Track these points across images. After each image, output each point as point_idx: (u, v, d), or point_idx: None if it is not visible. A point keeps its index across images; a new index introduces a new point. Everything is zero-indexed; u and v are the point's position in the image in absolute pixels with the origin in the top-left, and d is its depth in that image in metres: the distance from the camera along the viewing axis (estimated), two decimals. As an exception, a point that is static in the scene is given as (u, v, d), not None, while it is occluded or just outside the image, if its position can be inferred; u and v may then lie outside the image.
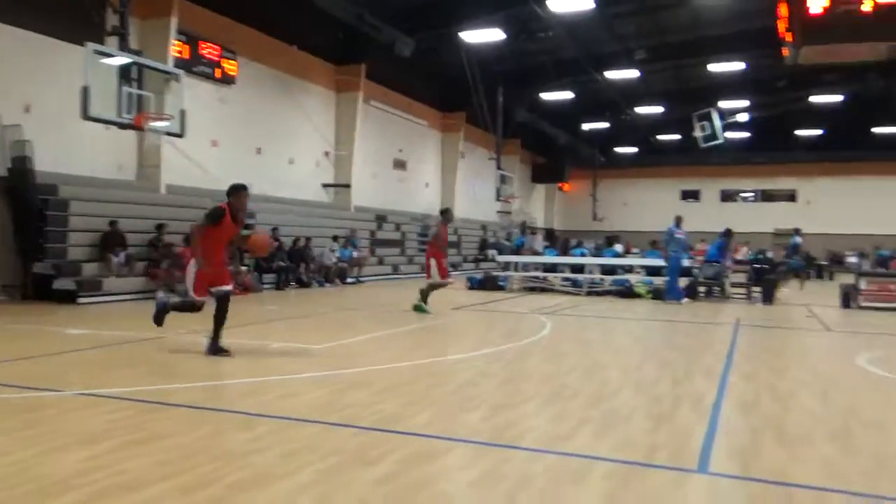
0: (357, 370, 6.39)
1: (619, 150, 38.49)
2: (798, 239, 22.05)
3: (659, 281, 15.80)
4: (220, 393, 5.67)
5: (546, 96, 27.62)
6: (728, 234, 16.14)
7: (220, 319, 6.80)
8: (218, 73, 17.05)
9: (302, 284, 16.96)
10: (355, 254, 19.40)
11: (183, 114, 12.27)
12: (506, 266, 18.56)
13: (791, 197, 37.57)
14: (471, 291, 16.95)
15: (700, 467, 3.82)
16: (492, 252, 25.91)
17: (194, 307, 6.93)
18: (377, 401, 5.21)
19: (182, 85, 12.39)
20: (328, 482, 3.40)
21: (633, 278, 16.62)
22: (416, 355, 7.37)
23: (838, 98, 28.43)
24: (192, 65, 16.05)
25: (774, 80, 27.20)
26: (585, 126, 34.71)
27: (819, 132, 33.65)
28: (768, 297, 15.22)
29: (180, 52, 15.68)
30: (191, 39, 16.15)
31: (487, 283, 17.55)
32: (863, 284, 14.65)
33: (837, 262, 29.51)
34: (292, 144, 20.14)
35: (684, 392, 5.78)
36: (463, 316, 11.79)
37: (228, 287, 6.97)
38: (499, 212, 30.12)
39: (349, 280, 18.68)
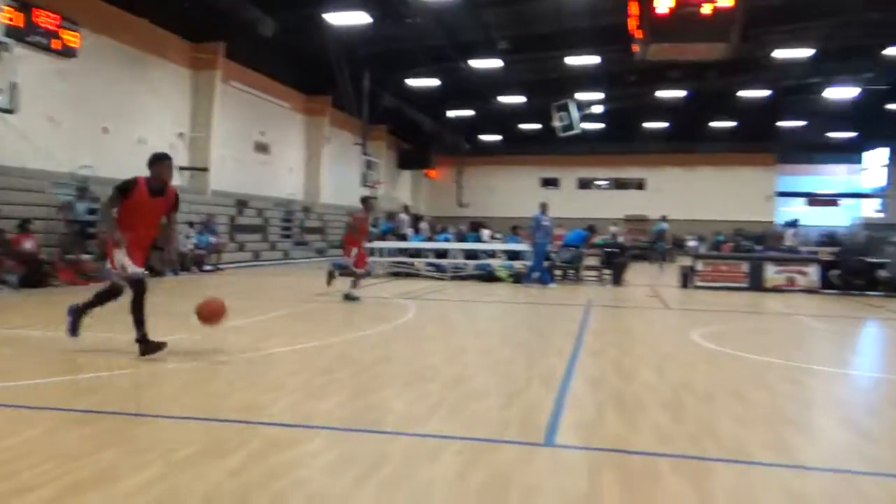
0: (212, 361, 6.16)
1: (484, 137, 39.46)
2: (664, 225, 23.78)
3: (519, 265, 16.41)
4: (55, 390, 5.28)
5: (412, 82, 27.73)
6: (591, 229, 17.12)
7: (139, 309, 6.05)
8: (56, 45, 15.61)
9: (154, 272, 16.02)
10: (213, 240, 18.62)
11: (14, 87, 11.21)
12: (371, 252, 18.51)
13: (640, 185, 40.16)
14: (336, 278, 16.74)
15: (547, 440, 4.04)
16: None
17: (116, 292, 6.16)
18: (233, 391, 5.07)
19: (14, 56, 11.30)
20: (177, 477, 3.27)
21: (494, 263, 17.14)
22: (275, 343, 7.21)
23: (682, 94, 30.62)
24: (26, 34, 14.59)
25: (626, 74, 28.84)
26: (451, 113, 35.22)
27: (665, 125, 36.15)
28: (618, 279, 16.25)
29: (11, 20, 14.21)
30: (24, 6, 14.67)
31: (345, 271, 17.38)
32: (699, 266, 15.99)
33: (679, 245, 31.95)
34: (143, 124, 18.92)
35: (537, 371, 6.06)
36: (326, 302, 11.67)
37: (143, 271, 6.23)
38: (365, 197, 29.93)
39: (207, 268, 17.91)
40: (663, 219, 24.05)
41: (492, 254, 17.97)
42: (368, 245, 13.27)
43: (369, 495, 3.13)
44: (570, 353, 6.93)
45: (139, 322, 6.01)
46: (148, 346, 5.99)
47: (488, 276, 16.47)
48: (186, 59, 20.65)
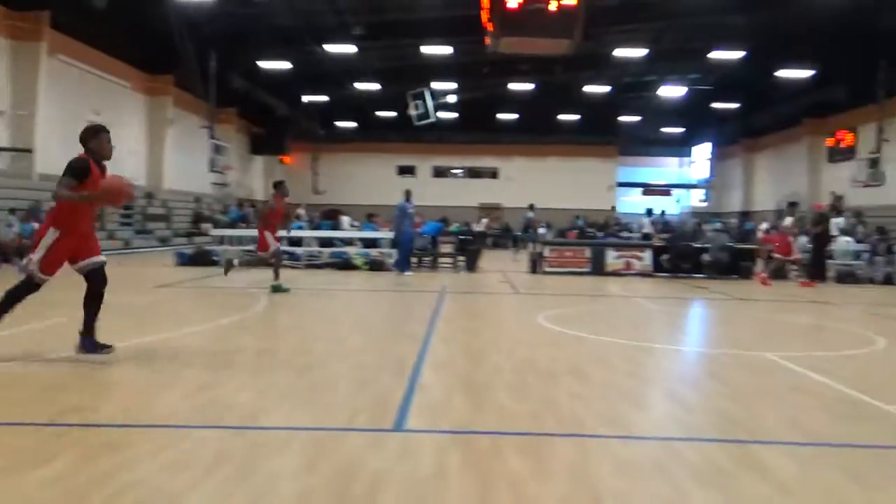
0: (40, 360, 5.63)
1: (340, 124, 38.94)
2: (530, 214, 24.63)
3: (376, 253, 16.40)
4: None
5: (264, 65, 26.79)
6: (445, 221, 17.47)
7: (96, 303, 5.59)
8: None
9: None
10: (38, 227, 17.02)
11: None
12: (221, 240, 17.79)
13: (494, 174, 41.39)
14: (180, 268, 15.91)
15: (396, 426, 4.06)
16: (206, 226, 24.58)
17: (31, 287, 5.50)
18: (60, 392, 4.66)
19: None
20: (-15, 490, 2.96)
21: (351, 251, 17.01)
22: (108, 340, 6.70)
23: (531, 86, 31.84)
24: None
25: (479, 65, 29.55)
26: (306, 98, 34.43)
27: (516, 116, 37.48)
28: (472, 266, 16.68)
29: None
30: None
31: (199, 259, 16.62)
32: (547, 252, 16.76)
33: (483, 234, 33.24)
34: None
35: (388, 358, 6.09)
36: (168, 294, 11.05)
37: (102, 258, 5.70)
38: (214, 184, 28.64)
39: (34, 258, 16.35)
40: (531, 207, 25.04)
41: (349, 242, 17.82)
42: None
43: (207, 494, 3.00)
44: (422, 339, 7.02)
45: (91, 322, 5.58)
46: (94, 344, 5.59)
47: (344, 265, 16.31)
48: (4, 28, 18.64)
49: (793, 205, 16.83)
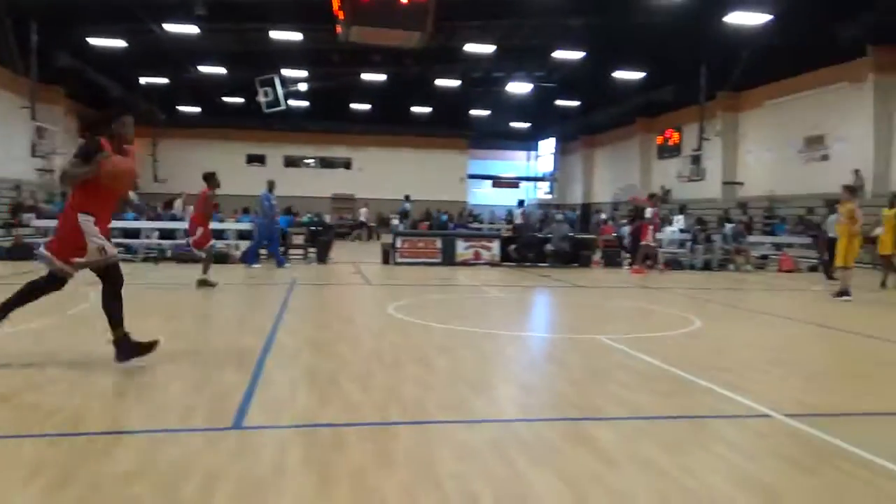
0: None
1: (183, 108, 36.83)
2: (408, 205, 24.53)
3: (221, 244, 15.71)
4: None
5: (95, 42, 24.69)
6: (290, 211, 17.06)
7: (118, 300, 5.18)
8: None
9: None
10: None
11: None
12: (46, 232, 16.25)
13: (347, 165, 41.00)
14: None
15: (235, 424, 3.92)
16: (28, 216, 22.36)
17: (56, 284, 5.10)
18: None
19: None
20: None
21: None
22: None
23: (383, 77, 31.80)
24: None
25: (330, 53, 29.07)
26: (144, 80, 32.23)
27: (368, 107, 37.29)
28: (323, 258, 16.44)
29: None
30: None
31: (17, 253, 15.11)
32: (399, 243, 16.87)
33: (385, 223, 33.42)
34: None
35: (231, 353, 5.86)
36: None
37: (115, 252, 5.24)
38: (38, 170, 26.11)
39: None
40: (407, 199, 25.14)
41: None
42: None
43: (17, 508, 2.74)
44: (267, 332, 6.82)
45: (119, 319, 5.14)
46: (131, 347, 5.14)
47: (188, 257, 15.46)
48: None
49: (652, 196, 18.04)
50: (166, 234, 16.43)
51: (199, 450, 3.46)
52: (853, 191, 12.09)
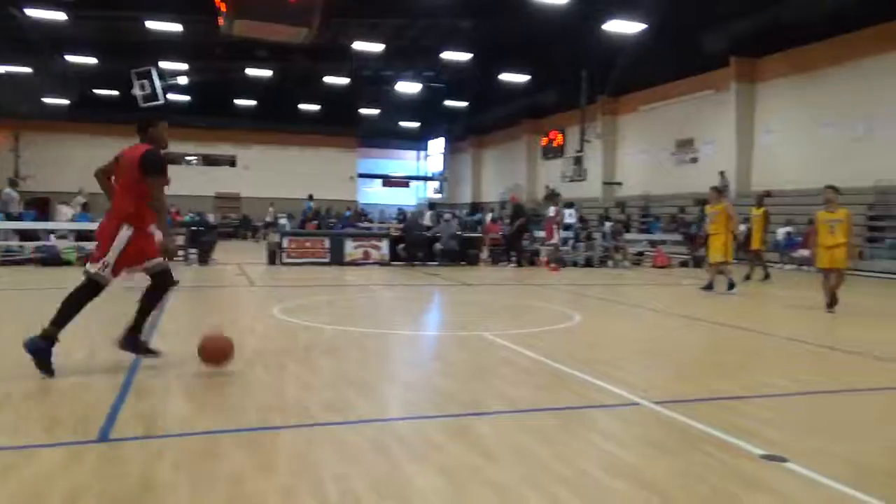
0: None
1: (50, 101, 34.32)
2: (311, 204, 23.82)
3: (91, 246, 14.78)
4: None
5: (-56, 25, 22.64)
6: (202, 216, 16.49)
7: (152, 304, 5.47)
8: None
9: None
10: None
11: None
12: None
13: (232, 162, 39.67)
14: None
15: (101, 436, 3.70)
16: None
17: (97, 291, 5.16)
18: None
19: None
20: None
21: (61, 245, 15.15)
22: None
23: (269, 73, 31.00)
24: None
25: (213, 47, 28.00)
26: (3, 69, 29.79)
27: (254, 103, 36.24)
28: (204, 259, 15.82)
29: None
30: None
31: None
32: (286, 243, 16.50)
33: (272, 224, 32.55)
34: None
35: (100, 362, 5.54)
36: None
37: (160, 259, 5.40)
38: None
39: None
40: (310, 197, 24.54)
41: (64, 235, 15.88)
42: None
43: None
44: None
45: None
46: (140, 345, 5.43)
47: (52, 260, 14.46)
48: None
49: (555, 195, 18.57)
50: (29, 236, 15.27)
51: (61, 466, 3.24)
52: (720, 191, 12.95)
